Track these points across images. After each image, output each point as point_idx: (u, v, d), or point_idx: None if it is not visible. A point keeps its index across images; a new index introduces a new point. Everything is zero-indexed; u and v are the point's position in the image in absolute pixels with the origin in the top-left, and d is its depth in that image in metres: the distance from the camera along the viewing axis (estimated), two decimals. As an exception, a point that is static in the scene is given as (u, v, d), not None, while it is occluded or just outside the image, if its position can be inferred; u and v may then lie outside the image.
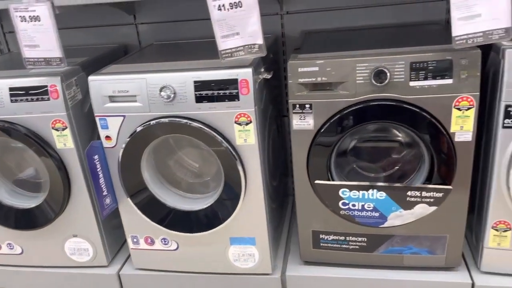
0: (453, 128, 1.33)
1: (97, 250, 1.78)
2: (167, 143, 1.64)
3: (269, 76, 1.53)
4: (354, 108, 1.36)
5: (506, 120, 1.30)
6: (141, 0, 1.88)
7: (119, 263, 1.84)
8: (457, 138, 1.34)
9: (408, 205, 1.45)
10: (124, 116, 1.48)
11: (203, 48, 1.78)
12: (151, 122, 1.44)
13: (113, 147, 1.53)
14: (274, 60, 1.77)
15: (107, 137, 1.53)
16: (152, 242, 1.70)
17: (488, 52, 1.37)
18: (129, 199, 1.60)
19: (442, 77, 1.29)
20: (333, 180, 1.50)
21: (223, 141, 1.42)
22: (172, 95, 1.40)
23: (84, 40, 2.10)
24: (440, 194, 1.41)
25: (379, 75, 1.31)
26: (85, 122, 1.61)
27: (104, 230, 1.77)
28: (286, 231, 1.93)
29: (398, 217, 1.48)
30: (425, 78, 1.30)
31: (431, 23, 1.80)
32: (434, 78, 1.29)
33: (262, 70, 1.51)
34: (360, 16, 1.85)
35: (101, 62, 1.71)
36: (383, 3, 1.82)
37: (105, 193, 1.61)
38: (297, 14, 1.89)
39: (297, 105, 1.41)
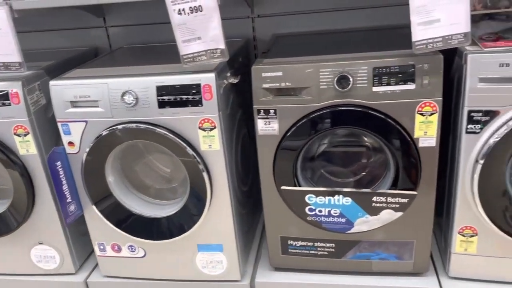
0: (417, 133, 1.33)
1: (64, 257, 1.74)
2: (136, 148, 1.61)
3: (236, 81, 1.51)
4: (318, 113, 1.35)
5: (469, 126, 1.29)
6: (110, 3, 1.85)
7: (87, 271, 1.80)
8: (421, 144, 1.34)
9: (374, 211, 1.44)
10: (86, 121, 1.45)
11: (173, 51, 1.74)
12: (113, 128, 1.41)
13: (76, 153, 1.50)
14: (244, 63, 1.75)
15: (70, 143, 1.50)
16: (119, 250, 1.67)
17: (454, 57, 1.37)
18: (93, 206, 1.56)
19: (405, 82, 1.28)
20: (299, 185, 1.48)
21: (187, 147, 1.40)
22: (134, 101, 1.38)
23: (57, 43, 2.07)
24: (406, 200, 1.40)
25: (342, 80, 1.30)
26: (49, 127, 1.57)
27: (71, 237, 1.73)
28: (259, 236, 1.91)
29: (364, 223, 1.47)
30: (388, 84, 1.29)
31: (404, 27, 1.79)
32: (397, 83, 1.29)
33: (228, 74, 1.49)
34: (333, 19, 1.84)
35: (69, 65, 1.68)
36: (356, 7, 1.82)
37: (69, 200, 1.58)
38: (268, 17, 1.87)
39: (262, 110, 1.39)
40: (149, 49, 1.88)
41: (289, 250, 1.60)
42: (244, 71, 1.71)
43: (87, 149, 1.46)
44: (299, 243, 1.58)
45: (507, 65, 1.21)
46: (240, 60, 1.67)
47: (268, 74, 1.35)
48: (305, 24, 1.86)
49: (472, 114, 1.28)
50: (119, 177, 1.59)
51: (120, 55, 1.82)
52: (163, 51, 1.81)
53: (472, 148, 1.32)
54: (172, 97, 1.37)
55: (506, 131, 1.25)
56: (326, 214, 1.48)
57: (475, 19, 1.53)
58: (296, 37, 1.79)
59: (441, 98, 1.29)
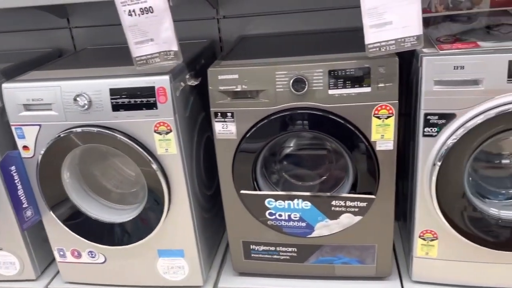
0: (374, 137, 1.31)
1: (24, 263, 1.70)
2: (99, 151, 1.58)
3: (196, 83, 1.49)
4: (274, 117, 1.32)
5: (426, 129, 1.28)
6: (73, 4, 1.81)
7: (49, 277, 1.76)
8: (378, 147, 1.32)
9: (334, 215, 1.42)
10: (40, 125, 1.41)
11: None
12: (67, 132, 1.38)
13: (31, 157, 1.47)
14: (208, 65, 1.71)
15: (25, 147, 1.46)
16: (79, 255, 1.64)
17: (412, 60, 1.36)
18: (50, 211, 1.53)
19: (361, 85, 1.27)
20: (260, 189, 1.46)
21: (142, 150, 1.37)
22: (88, 104, 1.35)
23: (21, 44, 2.02)
24: (364, 204, 1.39)
25: (298, 83, 1.28)
26: (5, 131, 1.53)
27: (32, 243, 1.69)
28: (225, 241, 1.88)
29: (325, 227, 1.45)
30: (344, 86, 1.27)
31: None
32: (352, 86, 1.27)
33: (188, 76, 1.46)
34: (299, 20, 1.82)
35: (29, 67, 1.64)
36: (322, 8, 1.80)
37: (25, 205, 1.54)
38: (234, 18, 1.85)
39: (219, 114, 1.37)
40: (113, 50, 1.85)
41: (252, 255, 1.58)
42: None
43: (41, 153, 1.43)
44: (261, 248, 1.55)
45: (462, 67, 1.20)
46: (202, 61, 1.64)
47: (224, 77, 1.33)
48: (271, 25, 1.84)
49: (429, 117, 1.27)
50: (78, 181, 1.56)
51: (82, 57, 1.78)
52: (127, 53, 1.77)
53: (429, 151, 1.30)
54: (126, 100, 1.34)
55: (462, 133, 1.23)
56: (286, 218, 1.46)
57: (437, 21, 1.52)
58: (260, 39, 1.77)
59: (397, 101, 1.27)
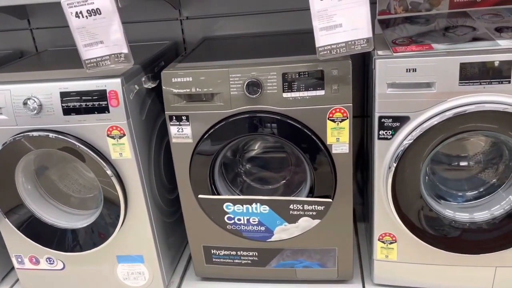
0: (329, 140, 1.30)
1: (-18, 271, 1.67)
2: (56, 155, 1.54)
3: (153, 85, 1.46)
4: (229, 120, 1.30)
5: (381, 132, 1.27)
6: (32, 4, 1.77)
7: (8, 285, 1.72)
8: (334, 150, 1.31)
9: (292, 219, 1.41)
10: (-10, 129, 1.37)
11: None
12: (17, 136, 1.34)
13: (-17, 162, 1.43)
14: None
15: (-24, 152, 1.42)
16: (37, 262, 1.60)
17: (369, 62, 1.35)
18: (5, 217, 1.49)
19: (314, 88, 1.25)
20: (218, 193, 1.44)
21: (96, 155, 1.34)
22: (38, 107, 1.31)
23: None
24: (322, 207, 1.38)
25: (251, 86, 1.26)
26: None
27: (-10, 249, 1.66)
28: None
29: (284, 231, 1.43)
30: (298, 90, 1.26)
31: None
32: (306, 89, 1.25)
33: (144, 79, 1.43)
34: (263, 22, 1.79)
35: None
36: (287, 9, 1.78)
37: (-22, 211, 1.50)
38: (197, 19, 1.82)
39: (174, 117, 1.34)
40: (74, 52, 1.79)
41: (213, 260, 1.56)
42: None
43: (-8, 159, 1.39)
44: (222, 252, 1.54)
45: (414, 70, 1.19)
46: (162, 63, 1.61)
47: (178, 80, 1.31)
48: (235, 27, 1.81)
49: (383, 120, 1.26)
50: (34, 186, 1.52)
51: (40, 59, 1.74)
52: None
53: (385, 154, 1.30)
54: (77, 104, 1.30)
55: (416, 136, 1.22)
56: (245, 222, 1.44)
57: (397, 22, 1.52)
58: (223, 40, 1.74)
59: (351, 104, 1.26)
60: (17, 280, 1.72)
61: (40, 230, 1.51)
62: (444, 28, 1.38)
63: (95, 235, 1.48)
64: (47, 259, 1.59)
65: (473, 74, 1.16)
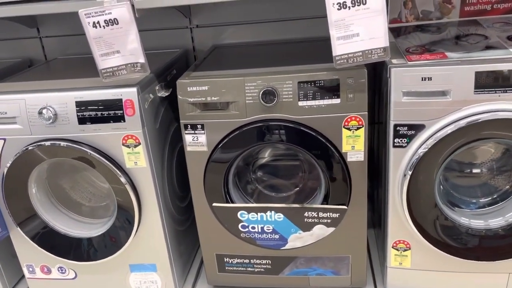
0: (345, 148, 1.30)
1: (-8, 280, 1.65)
2: (68, 164, 1.54)
3: (166, 94, 1.46)
4: (245, 129, 1.31)
5: (396, 140, 1.28)
6: (42, 14, 1.77)
7: (19, 293, 1.72)
8: (349, 158, 1.32)
9: (307, 227, 1.41)
10: (4, 139, 1.37)
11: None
12: (32, 146, 1.34)
13: (-4, 172, 1.43)
14: (179, 75, 1.70)
15: (-10, 162, 1.42)
16: (49, 271, 1.59)
17: (383, 70, 1.36)
18: (17, 227, 1.48)
19: (330, 97, 1.26)
20: (232, 202, 1.44)
21: (111, 164, 1.34)
22: (53, 117, 1.31)
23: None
24: (337, 215, 1.38)
25: (267, 95, 1.26)
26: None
27: (1, 258, 1.64)
28: (201, 253, 1.85)
29: (298, 239, 1.43)
30: (314, 98, 1.26)
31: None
32: (322, 98, 1.26)
33: (157, 88, 1.44)
34: (273, 30, 1.80)
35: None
36: (297, 17, 1.79)
37: (-9, 221, 1.49)
38: (207, 27, 1.83)
39: (189, 126, 1.35)
40: (84, 60, 1.81)
41: (226, 268, 1.55)
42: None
43: (6, 168, 1.38)
44: (235, 260, 1.53)
45: (429, 78, 1.20)
46: (174, 72, 1.61)
47: (193, 89, 1.31)
48: (245, 35, 1.82)
49: (398, 128, 1.26)
50: (47, 195, 1.51)
51: (50, 68, 1.74)
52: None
53: (400, 162, 1.30)
54: (92, 113, 1.31)
55: (431, 144, 1.23)
56: (259, 230, 1.44)
57: (408, 31, 1.53)
58: (233, 48, 1.75)
59: (366, 113, 1.27)
60: (27, 290, 1.72)
61: (54, 240, 1.50)
62: (456, 37, 1.39)
63: (107, 244, 1.48)
64: (59, 269, 1.58)
65: (488, 82, 1.18)
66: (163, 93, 1.45)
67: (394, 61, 1.27)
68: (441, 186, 1.40)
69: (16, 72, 1.70)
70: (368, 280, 1.59)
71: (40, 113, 1.31)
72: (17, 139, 1.36)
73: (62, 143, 1.33)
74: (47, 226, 1.48)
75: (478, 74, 1.18)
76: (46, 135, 1.35)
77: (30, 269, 1.60)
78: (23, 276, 1.76)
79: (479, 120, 1.19)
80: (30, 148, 1.35)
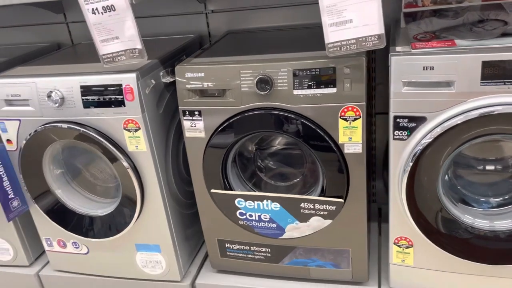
0: (342, 139, 1.26)
1: (17, 250, 1.78)
2: (81, 146, 1.61)
3: (171, 80, 1.48)
4: (240, 116, 1.30)
5: (396, 132, 1.21)
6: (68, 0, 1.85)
7: (41, 264, 1.84)
8: (346, 150, 1.27)
9: (304, 217, 1.39)
10: (20, 120, 1.46)
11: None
12: (42, 127, 1.42)
13: (15, 150, 1.52)
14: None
15: (8, 141, 1.52)
16: (65, 245, 1.69)
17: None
18: (33, 201, 1.58)
19: (326, 86, 1.21)
20: (231, 188, 1.44)
21: (112, 147, 1.39)
22: (60, 100, 1.37)
23: (26, 38, 2.09)
24: (333, 207, 1.34)
25: (262, 83, 1.24)
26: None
27: (25, 231, 1.77)
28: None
29: (295, 229, 1.42)
30: (309, 87, 1.22)
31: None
32: (317, 86, 1.22)
33: (162, 73, 1.46)
34: (291, 15, 1.76)
35: (23, 62, 1.69)
36: (314, 1, 1.73)
37: (11, 196, 1.60)
38: (222, 13, 1.82)
39: (187, 112, 1.36)
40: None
41: (227, 253, 1.57)
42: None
43: (21, 147, 1.48)
44: (236, 247, 1.54)
45: (432, 68, 1.12)
46: (184, 57, 1.62)
47: (191, 75, 1.32)
48: (260, 20, 1.79)
49: (398, 120, 1.20)
50: (62, 174, 1.60)
51: (72, 52, 1.81)
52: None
53: (400, 156, 1.24)
54: (95, 97, 1.35)
55: (432, 138, 1.16)
56: (257, 218, 1.44)
57: (425, 16, 1.43)
58: (246, 34, 1.73)
59: (364, 103, 1.21)
60: (48, 262, 1.83)
61: (65, 216, 1.59)
62: (473, 23, 1.29)
63: (114, 224, 1.54)
64: (73, 243, 1.67)
65: (497, 73, 1.08)
66: (168, 79, 1.47)
67: (398, 48, 1.20)
68: (447, 182, 1.32)
69: (42, 56, 1.79)
70: (373, 276, 1.54)
71: (49, 96, 1.38)
72: (30, 120, 1.44)
73: (67, 126, 1.39)
74: (59, 202, 1.57)
75: (485, 64, 1.08)
76: (55, 117, 1.41)
77: (48, 243, 1.71)
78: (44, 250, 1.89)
79: (486, 114, 1.10)
80: (39, 129, 1.42)
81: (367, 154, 1.29)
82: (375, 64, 1.67)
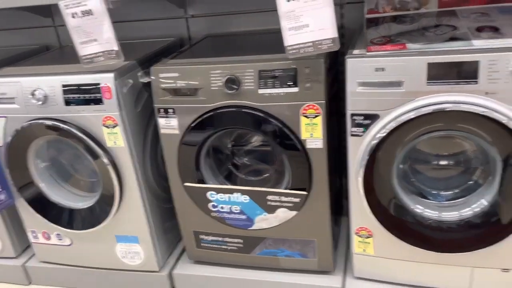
0: (304, 135, 1.35)
1: (4, 242, 1.87)
2: (65, 141, 1.70)
3: (148, 80, 1.57)
4: (210, 114, 1.39)
5: (353, 129, 1.31)
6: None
7: (28, 256, 1.92)
8: (308, 145, 1.36)
9: (271, 209, 1.48)
10: (6, 117, 1.55)
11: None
12: (27, 124, 1.51)
13: (1, 146, 1.61)
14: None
15: (-5, 137, 1.61)
16: (49, 237, 1.78)
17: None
18: (18, 193, 1.67)
19: (289, 86, 1.31)
20: (204, 182, 1.53)
21: (92, 143, 1.48)
22: (43, 98, 1.47)
23: (17, 41, 2.18)
24: (298, 199, 1.43)
25: (230, 82, 1.34)
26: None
27: (12, 224, 1.85)
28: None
29: (264, 220, 1.51)
30: (273, 86, 1.32)
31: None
32: (281, 86, 1.32)
33: (140, 74, 1.55)
34: (264, 20, 1.85)
35: (12, 63, 1.79)
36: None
37: (-2, 189, 1.69)
38: (202, 17, 1.92)
39: (162, 110, 1.45)
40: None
41: (202, 244, 1.66)
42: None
43: (7, 143, 1.57)
44: (210, 238, 1.63)
45: (383, 69, 1.22)
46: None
47: (165, 75, 1.41)
48: (239, 25, 1.88)
49: (354, 117, 1.29)
50: (47, 169, 1.69)
51: (59, 54, 1.91)
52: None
53: (357, 151, 1.33)
54: (76, 96, 1.45)
55: (384, 134, 1.25)
56: (228, 210, 1.53)
57: (386, 21, 1.53)
58: (223, 38, 1.83)
59: (324, 101, 1.31)
60: (34, 254, 1.91)
61: (47, 207, 1.68)
62: (426, 28, 1.38)
63: (94, 216, 1.63)
64: (57, 235, 1.76)
65: (441, 74, 1.18)
66: (146, 79, 1.56)
67: (355, 51, 1.30)
68: (402, 175, 1.41)
69: (29, 57, 1.89)
70: (340, 265, 1.63)
71: (32, 94, 1.47)
72: (16, 117, 1.54)
73: (51, 122, 1.48)
74: (42, 194, 1.66)
75: (430, 66, 1.18)
76: (39, 114, 1.51)
77: (34, 235, 1.80)
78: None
79: (430, 112, 1.19)
80: (25, 125, 1.52)
81: (329, 149, 1.39)
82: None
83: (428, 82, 1.19)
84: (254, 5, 1.84)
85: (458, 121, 1.20)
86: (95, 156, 1.50)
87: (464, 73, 1.16)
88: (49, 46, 2.14)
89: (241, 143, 1.63)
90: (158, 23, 1.96)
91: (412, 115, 1.21)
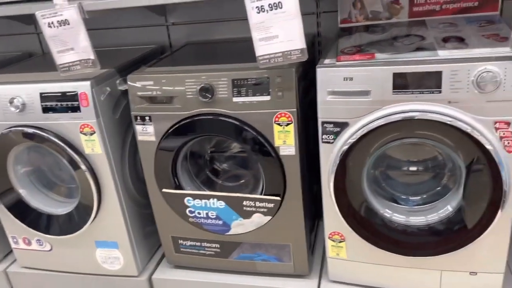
0: (277, 142, 1.39)
1: (-15, 248, 1.88)
2: (45, 148, 1.72)
3: (126, 88, 1.59)
4: (186, 121, 1.42)
5: (324, 136, 1.34)
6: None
7: (9, 261, 1.93)
8: (281, 152, 1.40)
9: (246, 214, 1.51)
10: (-16, 124, 1.57)
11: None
12: (5, 131, 1.53)
13: (-19, 152, 1.63)
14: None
15: (-25, 144, 1.62)
16: (29, 243, 1.79)
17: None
18: (-1, 201, 1.69)
19: (261, 94, 1.34)
20: (181, 188, 1.56)
21: (70, 150, 1.50)
22: (21, 106, 1.49)
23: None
24: (272, 205, 1.47)
25: (204, 91, 1.37)
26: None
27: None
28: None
29: (240, 226, 1.54)
30: (246, 95, 1.35)
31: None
32: (254, 94, 1.35)
33: (118, 81, 1.57)
34: (243, 28, 1.87)
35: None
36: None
37: (-22, 195, 1.70)
38: (183, 25, 1.95)
39: (139, 117, 1.48)
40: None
41: (181, 249, 1.68)
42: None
43: (-14, 150, 1.59)
44: (188, 243, 1.66)
45: (351, 79, 1.26)
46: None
47: (142, 83, 1.44)
48: (219, 32, 1.92)
49: (325, 125, 1.33)
50: (26, 175, 1.71)
51: (40, 61, 1.93)
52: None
53: (328, 157, 1.37)
54: (53, 103, 1.47)
55: (352, 141, 1.29)
56: (205, 216, 1.55)
57: (358, 31, 1.57)
58: (203, 45, 1.86)
59: (295, 109, 1.34)
60: (16, 259, 1.93)
61: (27, 213, 1.69)
62: (395, 37, 1.42)
63: (74, 222, 1.65)
64: (37, 241, 1.78)
65: (405, 83, 1.22)
66: (124, 86, 1.58)
67: (326, 61, 1.34)
68: (372, 180, 1.45)
69: (10, 64, 1.91)
70: (316, 269, 1.66)
71: (11, 102, 1.49)
72: (-6, 125, 1.56)
73: (29, 130, 1.50)
74: (21, 200, 1.68)
75: (395, 75, 1.22)
76: (17, 121, 1.53)
77: (15, 240, 1.81)
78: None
79: (395, 120, 1.23)
80: (4, 132, 1.53)
81: (303, 156, 1.42)
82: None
83: (393, 92, 1.23)
84: (233, 13, 1.88)
85: (424, 129, 1.24)
86: (73, 163, 1.52)
87: (428, 82, 1.20)
88: (32, 53, 2.17)
89: (221, 149, 1.66)
90: (140, 30, 1.99)
91: (379, 123, 1.25)
